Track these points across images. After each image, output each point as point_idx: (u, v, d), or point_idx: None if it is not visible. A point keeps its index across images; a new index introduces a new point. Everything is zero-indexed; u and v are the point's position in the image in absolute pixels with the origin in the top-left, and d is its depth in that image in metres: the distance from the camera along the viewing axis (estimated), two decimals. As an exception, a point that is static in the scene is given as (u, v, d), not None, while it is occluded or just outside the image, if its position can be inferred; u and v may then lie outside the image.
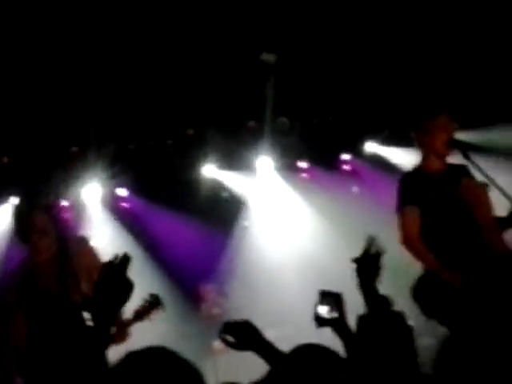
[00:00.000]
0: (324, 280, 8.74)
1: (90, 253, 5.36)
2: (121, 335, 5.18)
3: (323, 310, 3.26)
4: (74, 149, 9.46)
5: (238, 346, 3.24)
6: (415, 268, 5.43)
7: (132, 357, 2.19)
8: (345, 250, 9.03)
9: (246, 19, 7.82)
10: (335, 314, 3.22)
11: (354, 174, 10.45)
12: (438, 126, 5.36)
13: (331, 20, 7.90)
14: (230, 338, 3.23)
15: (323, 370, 2.31)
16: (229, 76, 8.65)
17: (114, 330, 4.97)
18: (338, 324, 3.21)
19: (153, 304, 5.53)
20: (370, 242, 3.22)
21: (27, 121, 8.54)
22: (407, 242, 5.30)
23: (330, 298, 3.27)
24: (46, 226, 5.12)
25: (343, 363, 2.51)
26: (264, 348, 3.15)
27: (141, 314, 5.44)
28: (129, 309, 5.68)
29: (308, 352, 2.41)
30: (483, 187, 5.03)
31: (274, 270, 9.53)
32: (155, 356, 2.19)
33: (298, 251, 9.49)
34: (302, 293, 8.72)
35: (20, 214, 5.21)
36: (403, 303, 5.32)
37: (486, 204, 5.07)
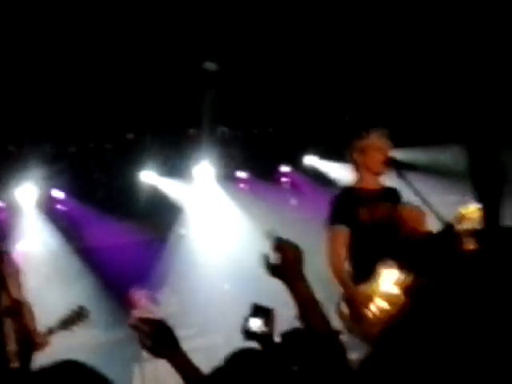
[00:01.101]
0: (257, 291, 8.77)
1: (7, 261, 5.38)
2: (40, 344, 5.20)
3: (255, 324, 3.23)
4: (11, 147, 9.30)
5: (154, 349, 3.12)
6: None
7: (42, 372, 2.20)
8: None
9: (189, 27, 7.82)
10: (266, 330, 3.19)
11: (292, 186, 10.53)
12: (373, 146, 5.42)
13: (275, 31, 7.95)
14: (148, 341, 3.09)
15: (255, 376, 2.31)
16: (172, 83, 8.63)
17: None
18: (266, 340, 3.18)
19: (79, 315, 5.55)
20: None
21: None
22: (332, 266, 5.35)
23: (263, 312, 3.25)
24: None
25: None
26: (177, 357, 3.06)
27: (66, 323, 5.45)
28: (58, 313, 5.64)
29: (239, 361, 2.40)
30: (422, 212, 5.11)
31: (208, 278, 9.52)
32: (65, 370, 2.20)
33: (232, 261, 9.50)
34: (234, 303, 8.74)
35: None
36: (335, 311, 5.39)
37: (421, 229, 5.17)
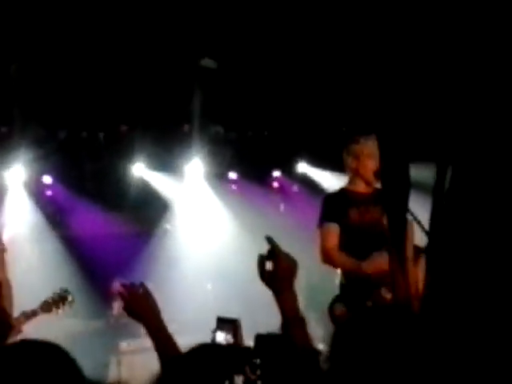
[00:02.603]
0: (239, 292, 8.75)
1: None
2: (14, 328, 5.15)
3: (221, 337, 3.35)
4: (2, 128, 9.25)
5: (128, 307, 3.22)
6: (333, 286, 5.49)
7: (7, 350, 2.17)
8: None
9: (187, 22, 7.80)
10: (231, 340, 3.30)
11: (282, 191, 10.53)
12: (367, 153, 5.39)
13: (275, 34, 7.94)
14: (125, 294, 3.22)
15: (217, 367, 2.30)
16: (168, 78, 8.62)
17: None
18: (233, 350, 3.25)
19: (62, 297, 5.48)
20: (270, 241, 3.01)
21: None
22: (325, 253, 5.36)
23: (228, 324, 3.35)
24: None
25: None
26: (153, 326, 3.10)
27: (49, 306, 5.38)
28: (39, 299, 5.59)
29: (203, 352, 2.39)
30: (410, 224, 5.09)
31: (191, 276, 9.49)
32: (37, 348, 2.15)
33: (216, 261, 9.47)
34: (216, 302, 8.71)
35: None
36: (319, 318, 5.37)
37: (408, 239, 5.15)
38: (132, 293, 3.30)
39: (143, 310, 3.24)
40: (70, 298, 5.53)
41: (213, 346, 2.76)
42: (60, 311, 5.47)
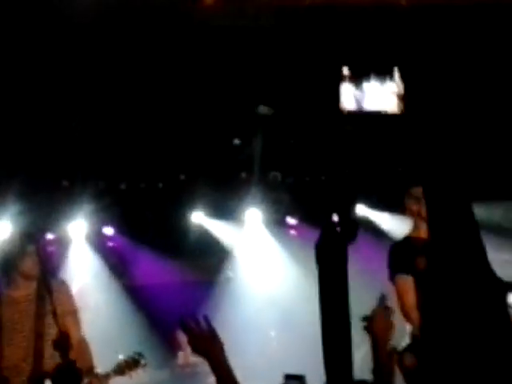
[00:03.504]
0: (303, 339, 8.67)
1: (68, 298, 5.43)
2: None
3: None
4: (64, 182, 9.43)
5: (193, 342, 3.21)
6: (402, 331, 5.40)
7: None
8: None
9: (241, 72, 7.91)
10: None
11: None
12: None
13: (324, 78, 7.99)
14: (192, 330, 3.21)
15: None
16: (225, 126, 8.71)
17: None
18: None
19: (135, 361, 5.51)
20: (382, 300, 3.18)
21: (20, 149, 8.53)
22: (405, 312, 5.26)
23: (295, 381, 3.33)
24: (32, 271, 5.20)
25: None
26: (217, 362, 3.10)
27: (122, 369, 5.42)
28: (107, 349, 5.65)
29: None
30: None
31: (254, 324, 9.45)
32: None
33: (279, 308, 9.43)
34: (280, 351, 8.66)
35: (9, 256, 5.28)
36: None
37: None
38: (197, 328, 3.26)
39: (208, 345, 3.24)
40: (143, 362, 5.56)
41: None
42: (133, 374, 5.50)
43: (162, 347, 9.10)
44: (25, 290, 5.30)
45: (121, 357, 5.50)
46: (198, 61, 7.80)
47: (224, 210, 10.14)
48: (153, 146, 8.97)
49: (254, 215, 10.13)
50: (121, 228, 9.89)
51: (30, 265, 5.23)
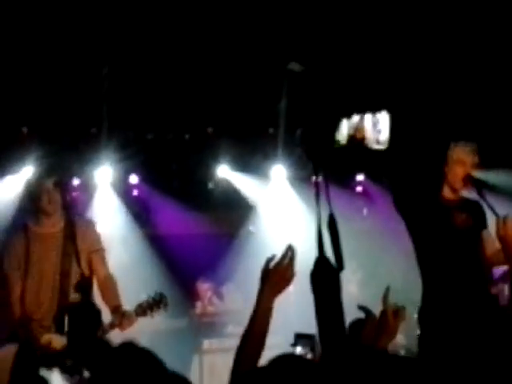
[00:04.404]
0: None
1: (94, 237, 5.49)
2: (122, 325, 5.24)
3: (299, 352, 3.36)
4: (93, 130, 9.48)
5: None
6: (417, 288, 5.42)
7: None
8: (347, 269, 9.06)
9: (272, 27, 7.85)
10: (309, 356, 3.30)
11: (366, 195, 10.46)
12: (457, 160, 5.27)
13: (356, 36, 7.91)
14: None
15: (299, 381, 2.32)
16: (256, 81, 8.67)
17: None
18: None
19: (157, 301, 5.52)
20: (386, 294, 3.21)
21: (51, 95, 8.57)
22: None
23: (305, 339, 3.35)
24: (48, 208, 5.26)
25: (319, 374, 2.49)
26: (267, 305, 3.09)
27: (144, 310, 5.44)
28: (127, 297, 5.71)
29: (284, 363, 2.41)
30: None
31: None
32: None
33: (299, 263, 9.46)
34: (298, 305, 8.71)
35: (33, 183, 5.38)
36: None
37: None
38: (286, 264, 3.17)
39: (282, 280, 3.16)
40: (164, 302, 5.58)
41: (293, 357, 2.74)
42: (155, 314, 5.53)
43: (180, 296, 9.19)
44: (51, 228, 5.38)
45: (143, 297, 5.52)
46: (229, 13, 7.74)
47: (249, 165, 10.15)
48: (181, 98, 8.96)
49: (279, 172, 10.13)
50: (146, 177, 9.95)
51: (46, 201, 5.30)
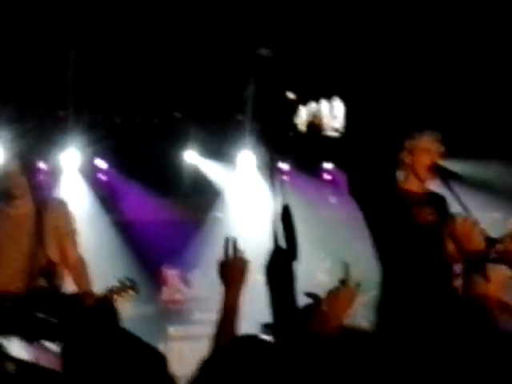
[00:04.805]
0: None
1: (66, 218, 5.43)
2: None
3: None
4: (61, 112, 9.39)
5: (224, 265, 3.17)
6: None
7: None
8: (311, 255, 9.09)
9: (243, 13, 7.84)
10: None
11: (333, 183, 10.49)
12: (422, 148, 5.28)
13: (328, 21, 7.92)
14: None
15: (259, 360, 2.34)
16: (224, 67, 8.66)
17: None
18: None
19: (127, 287, 5.48)
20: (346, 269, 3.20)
21: (17, 78, 8.48)
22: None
23: (271, 330, 3.37)
24: (13, 191, 5.21)
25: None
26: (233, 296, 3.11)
27: (113, 294, 5.39)
28: (98, 284, 5.67)
29: (245, 343, 2.44)
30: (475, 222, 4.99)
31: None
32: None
33: (265, 250, 9.48)
34: (264, 293, 8.73)
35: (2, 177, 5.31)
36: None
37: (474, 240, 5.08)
38: (234, 253, 3.22)
39: (236, 272, 3.19)
40: (134, 288, 5.53)
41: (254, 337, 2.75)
42: (121, 300, 5.48)
43: (147, 283, 9.17)
44: (22, 209, 5.31)
45: (111, 282, 5.47)
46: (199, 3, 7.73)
47: (217, 150, 10.13)
48: (150, 82, 8.92)
49: (246, 158, 10.13)
50: (113, 162, 9.89)
51: (10, 185, 5.24)
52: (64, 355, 2.37)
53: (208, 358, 2.48)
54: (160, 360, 2.34)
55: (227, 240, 3.17)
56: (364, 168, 5.37)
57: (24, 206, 5.32)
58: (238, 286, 3.12)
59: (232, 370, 2.30)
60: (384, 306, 5.12)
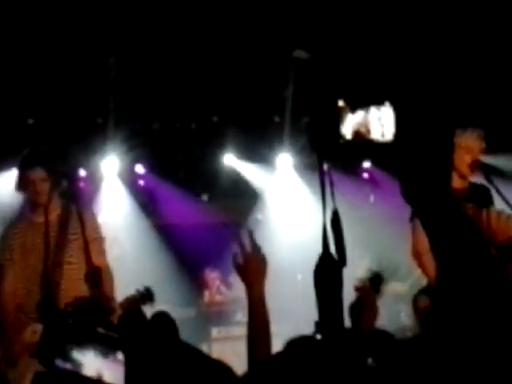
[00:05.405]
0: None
1: (92, 226, 5.44)
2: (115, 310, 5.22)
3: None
4: (99, 120, 9.48)
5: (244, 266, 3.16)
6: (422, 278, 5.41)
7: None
8: (354, 255, 9.06)
9: (280, 15, 7.83)
10: None
11: (373, 182, 10.44)
12: (464, 146, 5.24)
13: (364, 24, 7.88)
14: None
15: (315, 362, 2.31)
16: (262, 70, 8.66)
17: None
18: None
19: (143, 297, 5.49)
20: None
21: (56, 86, 8.57)
22: (415, 255, 5.27)
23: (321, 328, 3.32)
24: (43, 188, 5.21)
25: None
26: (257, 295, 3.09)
27: (129, 304, 5.40)
28: (131, 286, 5.70)
29: (299, 345, 2.41)
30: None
31: (281, 267, 9.49)
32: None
33: (306, 251, 9.43)
34: (306, 293, 8.72)
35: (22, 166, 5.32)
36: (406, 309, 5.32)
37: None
38: (252, 252, 3.15)
39: (256, 271, 3.13)
40: (150, 298, 5.52)
41: (307, 338, 2.71)
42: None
43: (188, 286, 9.22)
44: (47, 216, 5.32)
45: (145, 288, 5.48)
46: (235, 1, 7.73)
47: (255, 153, 10.14)
48: (187, 87, 8.95)
49: (285, 160, 10.12)
50: (152, 167, 9.95)
51: (32, 192, 5.26)
52: (127, 368, 2.37)
53: (265, 361, 2.46)
54: (224, 372, 2.33)
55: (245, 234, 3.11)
56: (417, 171, 5.33)
57: (48, 214, 5.32)
58: (261, 281, 3.08)
59: (290, 374, 2.28)
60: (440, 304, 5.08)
